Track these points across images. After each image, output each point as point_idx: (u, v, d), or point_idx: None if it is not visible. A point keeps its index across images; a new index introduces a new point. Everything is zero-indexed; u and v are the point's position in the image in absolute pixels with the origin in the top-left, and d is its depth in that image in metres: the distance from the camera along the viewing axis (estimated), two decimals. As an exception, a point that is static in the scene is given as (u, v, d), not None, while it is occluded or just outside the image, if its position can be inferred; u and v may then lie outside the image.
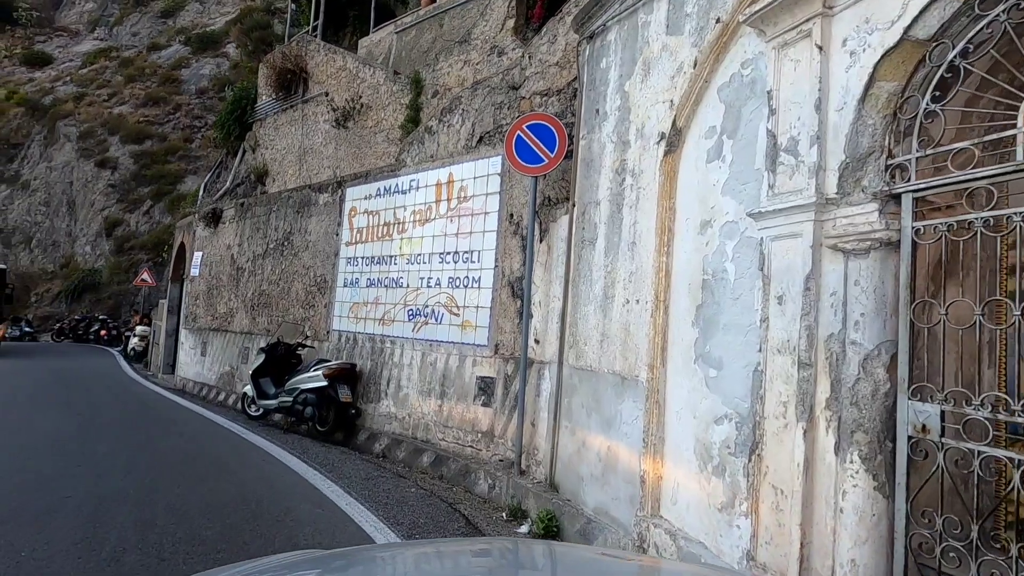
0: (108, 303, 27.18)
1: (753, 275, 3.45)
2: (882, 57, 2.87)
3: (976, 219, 2.57)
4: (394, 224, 8.04)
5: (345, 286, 8.76)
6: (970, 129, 2.74)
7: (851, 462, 2.84)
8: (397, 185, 8.08)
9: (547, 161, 5.82)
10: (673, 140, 4.21)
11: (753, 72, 3.61)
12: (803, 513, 2.93)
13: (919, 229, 2.76)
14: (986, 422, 2.50)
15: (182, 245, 14.25)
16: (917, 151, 2.79)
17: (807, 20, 3.14)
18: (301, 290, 9.72)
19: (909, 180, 2.80)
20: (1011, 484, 2.45)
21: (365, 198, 8.62)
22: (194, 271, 12.99)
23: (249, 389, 9.07)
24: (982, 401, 2.52)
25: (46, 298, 29.23)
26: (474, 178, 7.03)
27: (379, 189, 8.40)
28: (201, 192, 15.60)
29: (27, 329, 26.08)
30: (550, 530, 4.87)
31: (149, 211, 28.01)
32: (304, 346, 8.98)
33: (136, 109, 30.06)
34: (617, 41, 5.01)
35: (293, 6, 17.73)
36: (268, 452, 7.12)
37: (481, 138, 7.05)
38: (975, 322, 2.58)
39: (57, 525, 4.47)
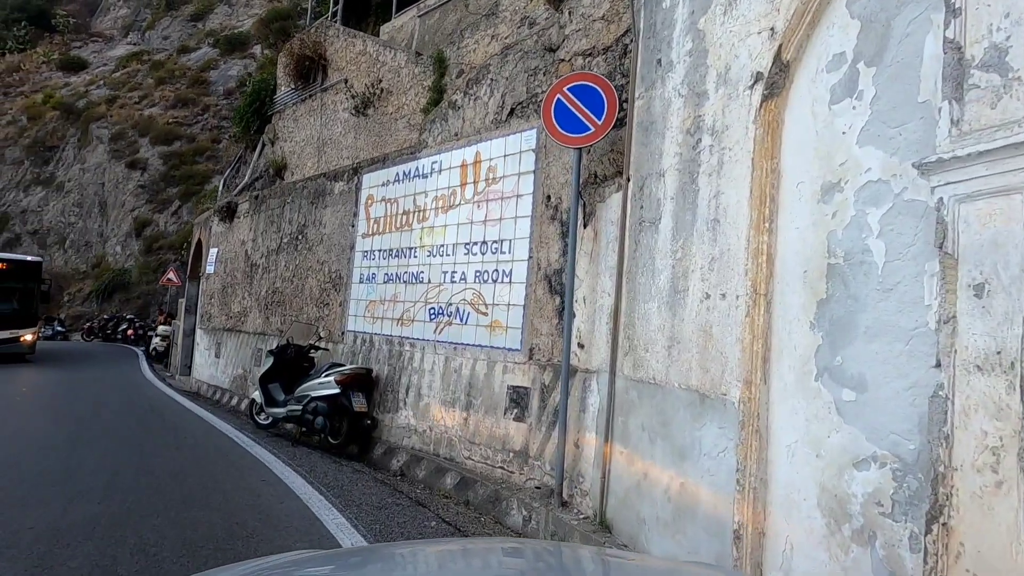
0: (137, 302, 26.70)
1: (920, 254, 2.30)
2: None
3: None
4: (414, 212, 6.99)
5: (361, 282, 7.74)
6: None
7: None
8: (417, 168, 7.04)
9: (593, 129, 4.71)
10: (776, 80, 3.07)
11: (912, -35, 2.46)
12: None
13: None
14: None
15: (199, 242, 13.42)
16: None
17: None
18: (315, 287, 8.73)
19: None
20: None
21: (382, 184, 7.59)
22: (209, 268, 12.12)
23: (257, 395, 8.10)
24: None
25: (78, 298, 28.90)
26: (504, 156, 5.94)
27: (398, 174, 7.36)
28: (220, 188, 14.78)
29: (59, 328, 25.73)
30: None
31: (177, 211, 27.48)
32: (317, 348, 7.98)
33: (166, 111, 29.62)
34: (688, -32, 3.88)
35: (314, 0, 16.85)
36: (270, 469, 6.11)
37: (512, 110, 5.96)
38: None
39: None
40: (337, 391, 6.86)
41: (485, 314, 5.88)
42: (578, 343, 4.86)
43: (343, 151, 11.17)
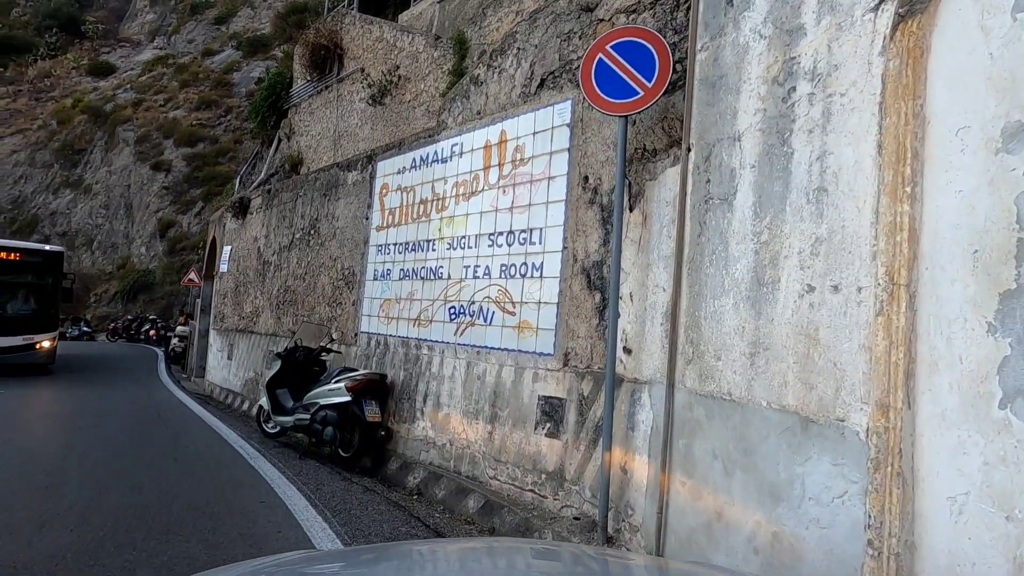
0: (161, 303, 26.37)
1: None
2: None
3: None
4: (432, 201, 6.20)
5: (375, 279, 6.97)
6: None
7: None
8: (436, 153, 6.24)
9: (642, 94, 3.87)
10: (919, -9, 2.21)
11: None
12: None
13: None
14: None
15: (214, 240, 12.80)
16: None
17: None
18: (327, 285, 7.99)
19: None
20: None
21: (398, 172, 6.81)
22: (223, 267, 11.48)
23: (264, 402, 7.36)
24: None
25: (104, 298, 28.69)
26: (533, 134, 5.12)
27: (415, 160, 6.57)
28: (237, 185, 14.17)
29: (85, 329, 25.48)
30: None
31: (200, 212, 27.10)
32: (328, 351, 7.22)
33: (189, 113, 29.32)
34: None
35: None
36: (272, 488, 5.35)
37: (543, 81, 5.14)
38: None
39: None
40: (348, 399, 6.09)
41: (512, 313, 5.06)
42: (623, 347, 4.02)
43: (359, 143, 10.44)
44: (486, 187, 5.52)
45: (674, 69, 3.82)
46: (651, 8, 4.37)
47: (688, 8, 3.80)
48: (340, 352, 7.30)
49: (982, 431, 1.89)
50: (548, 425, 4.62)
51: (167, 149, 28.28)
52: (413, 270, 6.32)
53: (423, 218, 6.28)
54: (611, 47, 4.04)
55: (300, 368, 7.08)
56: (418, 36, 9.53)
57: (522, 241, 5.07)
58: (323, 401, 6.30)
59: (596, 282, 4.42)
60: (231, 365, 10.69)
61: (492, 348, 5.21)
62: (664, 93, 3.85)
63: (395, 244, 6.66)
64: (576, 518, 4.22)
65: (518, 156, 5.23)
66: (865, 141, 2.35)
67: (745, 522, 2.79)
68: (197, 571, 1.42)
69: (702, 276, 3.30)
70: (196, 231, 26.59)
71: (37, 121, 34.29)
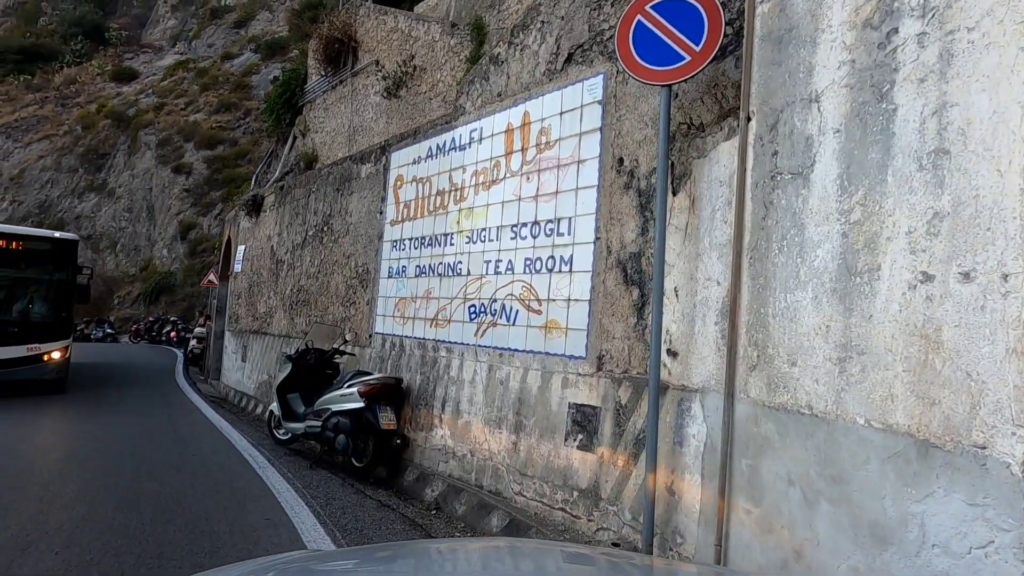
0: (182, 304, 26.27)
1: None
2: None
3: None
4: (450, 192, 5.69)
5: (389, 277, 6.48)
6: None
7: None
8: (454, 140, 5.73)
9: (689, 59, 3.32)
10: None
11: None
12: None
13: None
14: None
15: (229, 240, 12.44)
16: None
17: None
18: (341, 284, 7.53)
19: None
20: None
21: (413, 162, 6.31)
22: (237, 267, 11.09)
23: (275, 407, 6.91)
24: None
25: (127, 300, 28.70)
26: (560, 114, 4.58)
27: (430, 148, 6.07)
28: (252, 184, 13.82)
29: (109, 330, 25.43)
30: None
31: (220, 214, 26.94)
32: (341, 353, 6.74)
33: (209, 116, 29.22)
34: None
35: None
36: (279, 502, 4.88)
37: (570, 56, 4.60)
38: None
39: None
40: (361, 405, 5.60)
41: (538, 312, 4.53)
42: (667, 350, 3.47)
43: (374, 138, 9.97)
44: (508, 174, 5.00)
45: (724, 33, 3.27)
46: (695, -35, 3.81)
47: (743, -44, 3.25)
48: (354, 354, 6.82)
49: None
50: (580, 436, 4.08)
51: (188, 152, 28.20)
52: (430, 266, 5.82)
53: (440, 210, 5.77)
54: (651, 7, 3.50)
55: (312, 371, 6.62)
56: (434, 24, 9.04)
57: (549, 232, 4.54)
58: (335, 407, 5.82)
59: (633, 276, 3.87)
60: (245, 367, 10.29)
61: (516, 350, 4.69)
62: (714, 60, 3.30)
63: (410, 239, 6.17)
64: (615, 543, 3.68)
65: (543, 139, 4.70)
66: (1008, 85, 1.78)
67: (836, 567, 2.23)
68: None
69: (768, 266, 2.75)
70: (216, 233, 26.43)
71: (63, 127, 34.50)
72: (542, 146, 4.70)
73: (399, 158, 6.56)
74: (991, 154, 1.85)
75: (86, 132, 33.04)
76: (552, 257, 4.48)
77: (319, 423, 5.93)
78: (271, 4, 33.57)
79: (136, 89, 34.22)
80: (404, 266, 6.22)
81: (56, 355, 9.42)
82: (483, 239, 5.17)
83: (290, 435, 6.65)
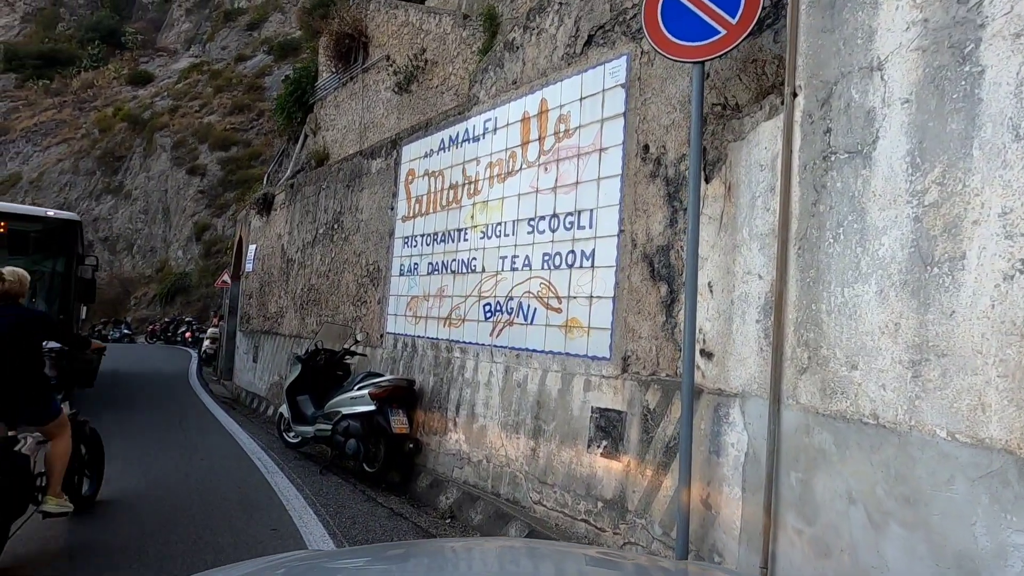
0: (198, 305, 26.26)
1: None
2: None
3: None
4: (463, 185, 5.41)
5: (401, 275, 6.21)
6: None
7: None
8: (467, 131, 5.45)
9: (725, 32, 3.01)
10: None
11: None
12: None
13: None
14: None
15: (241, 240, 12.27)
16: None
17: None
18: (352, 282, 7.28)
19: None
20: None
21: (425, 156, 6.04)
22: (248, 266, 10.91)
23: (285, 409, 6.68)
24: None
25: (144, 301, 28.76)
26: (580, 100, 4.28)
27: (443, 141, 5.79)
28: (264, 183, 13.64)
29: (126, 331, 25.47)
30: None
31: (234, 215, 26.93)
32: (352, 354, 6.49)
33: (223, 117, 29.21)
34: None
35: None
36: (287, 510, 4.63)
37: (590, 38, 4.30)
38: None
39: None
40: (372, 408, 5.34)
41: (558, 310, 4.24)
42: (701, 350, 3.17)
43: (385, 134, 9.71)
44: (524, 165, 4.71)
45: (762, 5, 2.96)
46: (727, -66, 3.49)
47: (785, -83, 2.93)
48: (365, 355, 6.57)
49: None
50: (604, 443, 3.78)
51: (202, 154, 28.20)
52: (443, 263, 5.55)
53: (453, 205, 5.50)
54: (682, -22, 3.19)
55: (322, 373, 6.37)
56: (445, 17, 8.77)
57: (568, 225, 4.24)
58: (345, 410, 5.57)
59: (661, 271, 3.57)
60: (256, 368, 10.10)
61: (534, 351, 4.40)
62: (750, 34, 2.99)
63: (422, 235, 5.90)
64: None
65: (562, 127, 4.40)
66: None
67: (913, 601, 1.92)
68: None
69: (821, 257, 2.43)
70: (230, 234, 26.39)
71: (80, 130, 34.71)
72: (561, 134, 4.40)
73: (410, 152, 6.29)
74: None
75: (103, 135, 33.20)
76: (572, 252, 4.18)
77: (329, 426, 5.68)
78: (283, 5, 33.52)
79: (151, 92, 34.33)
80: (416, 263, 5.95)
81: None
82: (498, 234, 4.88)
83: (300, 438, 6.41)
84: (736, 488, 2.87)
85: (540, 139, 4.58)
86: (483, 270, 5.00)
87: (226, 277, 18.35)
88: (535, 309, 4.42)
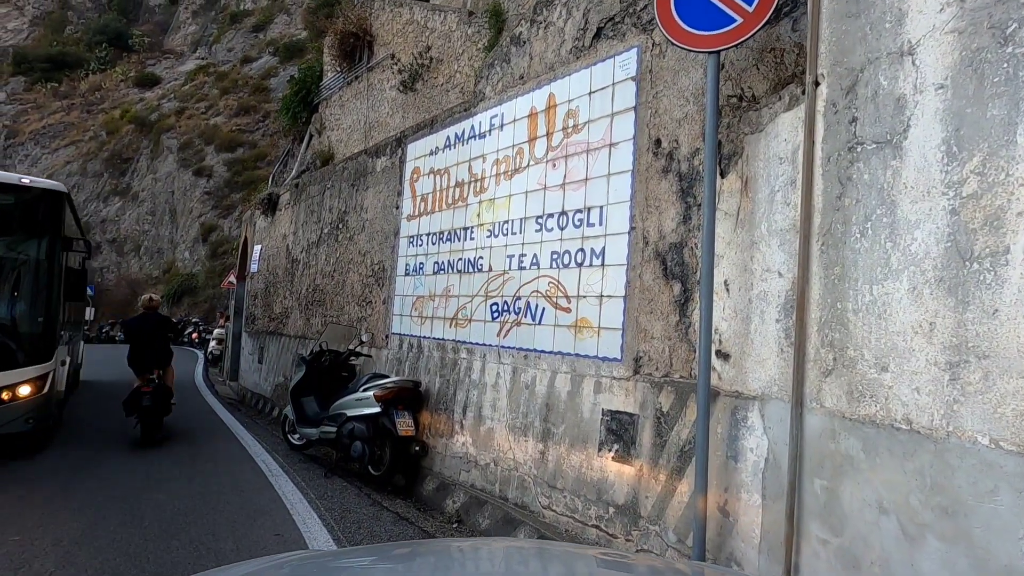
0: (204, 306, 26.26)
1: None
2: None
3: None
4: (469, 183, 5.30)
5: (407, 274, 6.11)
6: None
7: None
8: (473, 128, 5.34)
9: (741, 20, 2.88)
10: None
11: None
12: None
13: None
14: None
15: (246, 240, 12.20)
16: None
17: None
18: (357, 283, 7.18)
19: None
20: None
21: (430, 153, 5.93)
22: (253, 267, 10.83)
23: (289, 410, 6.58)
24: None
25: (151, 302, 28.76)
26: (589, 94, 4.16)
27: (448, 138, 5.68)
28: (269, 184, 13.57)
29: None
30: None
31: (240, 216, 26.94)
32: (357, 355, 6.39)
33: (229, 119, 29.22)
34: None
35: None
36: (291, 514, 4.52)
37: (599, 31, 4.18)
38: None
39: None
40: (377, 410, 5.23)
41: (567, 310, 4.12)
42: (717, 351, 3.04)
43: (390, 133, 9.63)
44: (532, 162, 4.59)
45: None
46: (742, -80, 3.36)
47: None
48: (370, 356, 6.46)
49: None
50: (616, 446, 3.66)
51: (208, 155, 28.20)
52: (448, 262, 5.44)
53: (459, 203, 5.38)
54: (696, -35, 3.06)
55: (327, 374, 6.27)
56: (450, 14, 8.66)
57: (577, 223, 4.12)
58: (350, 412, 5.46)
59: (674, 269, 3.44)
60: (262, 369, 10.01)
61: (543, 351, 4.28)
62: (767, 23, 2.86)
63: (428, 234, 5.79)
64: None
65: (570, 122, 4.28)
66: None
67: (952, 619, 1.79)
68: None
69: (847, 252, 2.31)
70: (236, 234, 26.40)
71: (88, 132, 34.80)
72: (569, 130, 4.28)
73: (415, 149, 6.18)
74: None
75: (110, 137, 33.28)
76: (582, 250, 4.06)
77: (334, 428, 5.58)
78: (289, 7, 33.50)
79: (158, 94, 34.39)
80: (422, 263, 5.84)
81: (24, 390, 5.41)
82: (505, 232, 4.77)
83: (305, 440, 6.31)
84: (755, 495, 2.74)
85: (548, 135, 4.46)
86: (490, 269, 4.89)
87: (232, 278, 18.29)
88: (543, 309, 4.30)
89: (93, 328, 25.34)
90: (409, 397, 5.32)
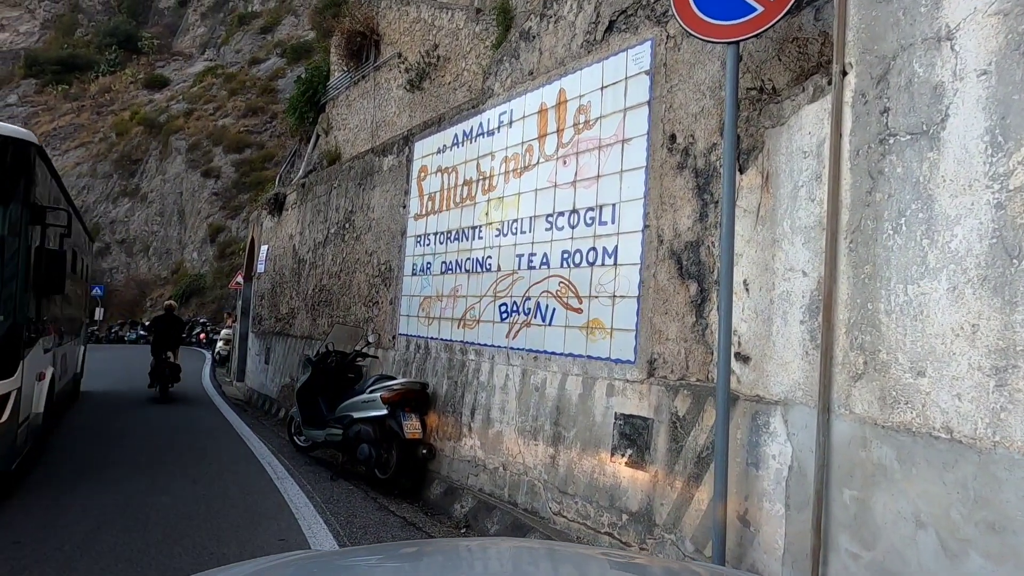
0: (212, 306, 26.28)
1: None
2: None
3: None
4: (477, 181, 5.19)
5: (414, 274, 6.00)
6: None
7: None
8: (481, 125, 5.23)
9: (762, 9, 2.76)
10: None
11: None
12: None
13: None
14: None
15: (253, 240, 12.14)
16: None
17: None
18: (363, 283, 7.08)
19: None
20: None
21: (438, 151, 5.83)
22: (260, 267, 10.76)
23: (295, 412, 6.49)
24: None
25: (160, 303, 28.80)
26: (601, 88, 4.04)
27: (456, 136, 5.57)
28: (276, 184, 13.51)
29: (142, 332, 25.56)
30: None
31: (248, 217, 26.94)
32: (364, 356, 6.29)
33: (237, 120, 29.25)
34: None
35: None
36: (296, 519, 4.42)
37: (612, 23, 4.05)
38: None
39: None
40: (384, 412, 5.13)
41: (578, 311, 4.00)
42: (736, 353, 2.91)
43: (397, 132, 9.54)
44: (542, 159, 4.47)
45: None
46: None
47: None
48: (377, 357, 6.36)
49: None
50: (629, 451, 3.53)
51: (216, 156, 28.24)
52: (456, 262, 5.32)
53: (467, 201, 5.27)
54: (714, -48, 2.94)
55: (333, 375, 6.17)
56: (458, 12, 8.55)
57: (589, 221, 4.00)
58: (357, 414, 5.36)
59: (690, 268, 3.32)
60: (268, 369, 9.94)
61: (553, 353, 4.16)
62: (788, 11, 2.74)
63: (435, 233, 5.68)
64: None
65: (581, 118, 4.16)
66: None
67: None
68: None
69: (878, 250, 2.18)
70: (244, 235, 26.41)
71: (98, 134, 34.94)
72: (580, 126, 4.16)
73: (423, 148, 6.08)
74: None
75: (120, 139, 33.40)
76: (593, 249, 3.94)
77: (340, 430, 5.48)
78: (296, 8, 33.54)
79: (167, 96, 34.49)
80: (429, 263, 5.73)
81: None
82: (515, 231, 4.65)
83: (311, 442, 6.22)
84: (778, 504, 2.61)
85: (558, 131, 4.35)
86: (499, 269, 4.77)
87: (240, 278, 18.26)
88: (554, 309, 4.18)
89: (103, 328, 25.41)
90: (416, 399, 5.21)
